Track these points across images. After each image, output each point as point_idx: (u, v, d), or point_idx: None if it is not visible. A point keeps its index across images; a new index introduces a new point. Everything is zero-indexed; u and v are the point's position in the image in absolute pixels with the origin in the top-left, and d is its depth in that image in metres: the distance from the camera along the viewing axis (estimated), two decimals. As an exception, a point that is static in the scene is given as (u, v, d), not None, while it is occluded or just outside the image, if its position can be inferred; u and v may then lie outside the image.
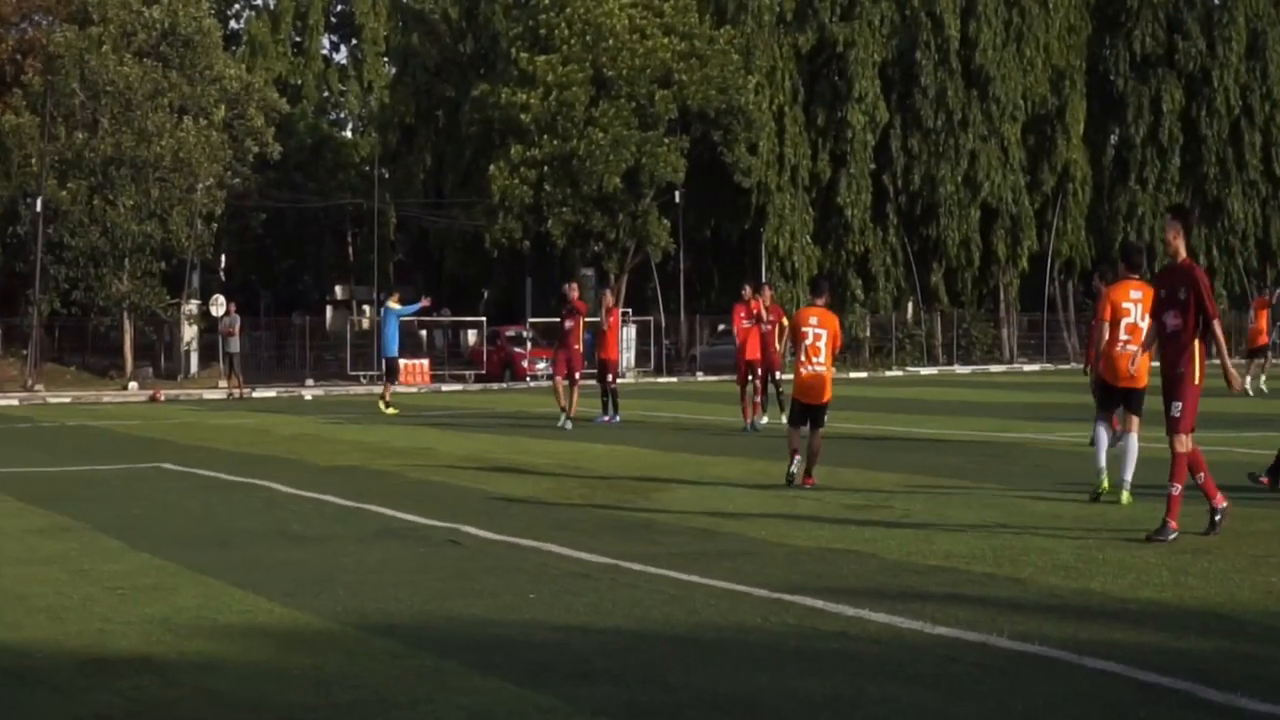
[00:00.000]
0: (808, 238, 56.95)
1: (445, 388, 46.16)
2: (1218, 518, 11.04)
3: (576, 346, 25.43)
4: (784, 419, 25.35)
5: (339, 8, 79.18)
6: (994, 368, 57.92)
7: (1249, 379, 30.04)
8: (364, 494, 14.80)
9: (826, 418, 15.62)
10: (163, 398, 40.85)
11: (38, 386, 44.09)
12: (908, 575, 9.59)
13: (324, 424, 27.49)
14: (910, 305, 62.72)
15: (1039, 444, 20.03)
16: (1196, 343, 10.99)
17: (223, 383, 44.56)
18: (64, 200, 46.71)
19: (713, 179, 54.82)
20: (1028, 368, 58.41)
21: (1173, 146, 62.58)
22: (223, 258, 65.12)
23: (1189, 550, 10.40)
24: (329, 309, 66.51)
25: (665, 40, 51.85)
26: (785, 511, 12.98)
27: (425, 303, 34.35)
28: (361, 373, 49.77)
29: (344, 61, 79.99)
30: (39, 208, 46.17)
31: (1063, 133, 60.94)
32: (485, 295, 65.37)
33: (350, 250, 70.66)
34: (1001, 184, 59.21)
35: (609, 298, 28.42)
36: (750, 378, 24.23)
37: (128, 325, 48.93)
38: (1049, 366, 58.42)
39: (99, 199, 47.22)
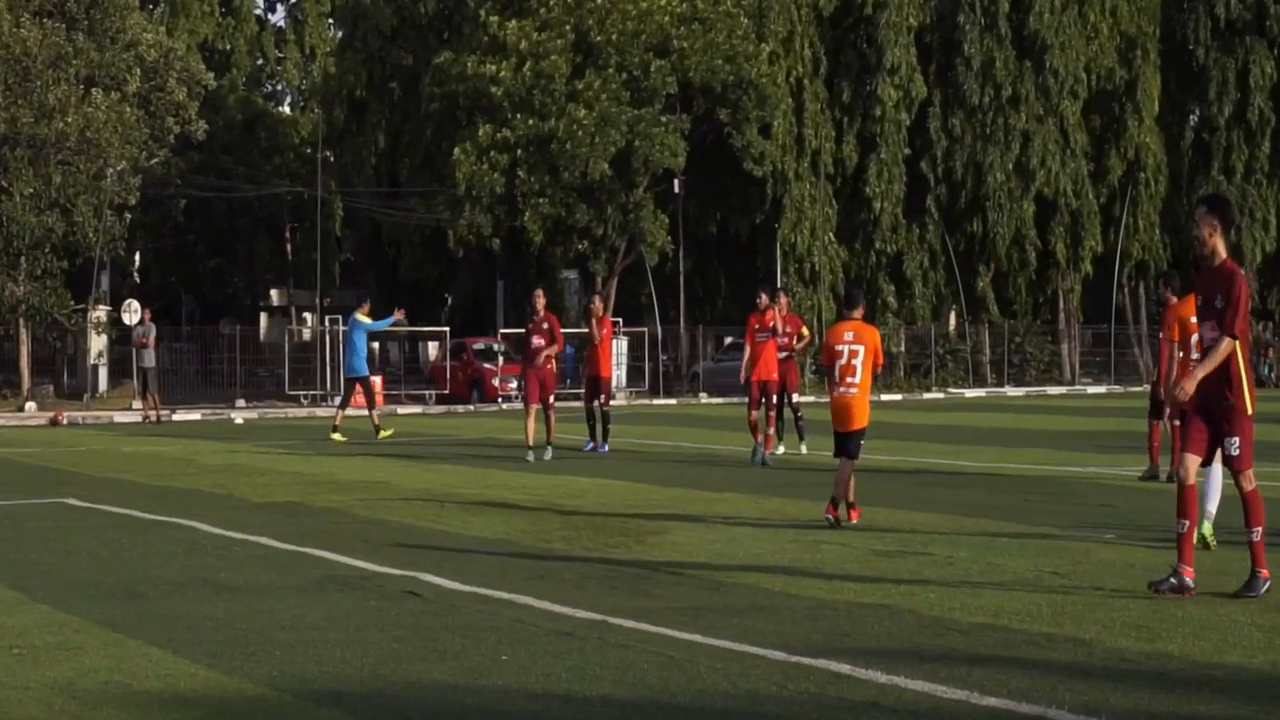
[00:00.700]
0: (830, 235, 57.08)
1: (401, 410, 46.14)
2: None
3: (549, 366, 25.47)
4: (802, 449, 25.57)
5: (277, -41, 79.46)
6: (1052, 390, 58.02)
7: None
8: (305, 536, 14.78)
9: (860, 446, 15.77)
10: (65, 420, 40.77)
11: (-83, 407, 44.05)
12: (950, 635, 9.58)
13: (258, 453, 27.43)
14: (952, 315, 62.85)
15: (1105, 480, 20.02)
16: (1243, 362, 10.96)
17: (137, 403, 44.51)
18: (-53, 187, 46.70)
19: (718, 166, 54.90)
20: (1092, 390, 58.51)
21: (1263, 128, 62.82)
22: (137, 256, 65.15)
23: (1283, 606, 10.42)
24: (263, 317, 66.62)
25: (662, 1, 51.97)
26: (804, 558, 12.97)
27: (399, 315, 34.52)
28: (302, 392, 49.74)
29: (281, 23, 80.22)
30: (-83, 196, 46.16)
31: (1133, 112, 61.15)
32: (449, 301, 65.46)
33: (289, 248, 70.77)
34: (1060, 172, 59.40)
35: (598, 305, 28.49)
36: (763, 401, 24.25)
37: (24, 335, 48.85)
38: (1116, 389, 58.56)
39: (-10, 185, 47.21)
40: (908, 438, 29.07)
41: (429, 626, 10.04)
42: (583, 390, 29.20)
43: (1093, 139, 61.04)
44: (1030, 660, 8.78)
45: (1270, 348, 63.98)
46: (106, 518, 16.83)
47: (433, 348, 58.80)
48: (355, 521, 16.23)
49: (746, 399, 24.52)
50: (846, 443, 15.64)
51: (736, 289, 58.93)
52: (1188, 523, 10.87)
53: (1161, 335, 16.34)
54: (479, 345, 53.69)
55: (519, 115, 51.21)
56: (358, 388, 31.97)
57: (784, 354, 24.73)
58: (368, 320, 31.57)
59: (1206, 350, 11.04)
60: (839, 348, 15.67)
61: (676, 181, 53.37)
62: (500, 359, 51.44)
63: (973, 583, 11.59)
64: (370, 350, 58.45)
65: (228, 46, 73.24)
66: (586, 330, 29.05)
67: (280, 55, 77.76)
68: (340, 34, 69.96)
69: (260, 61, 77.67)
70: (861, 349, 15.57)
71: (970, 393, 56.10)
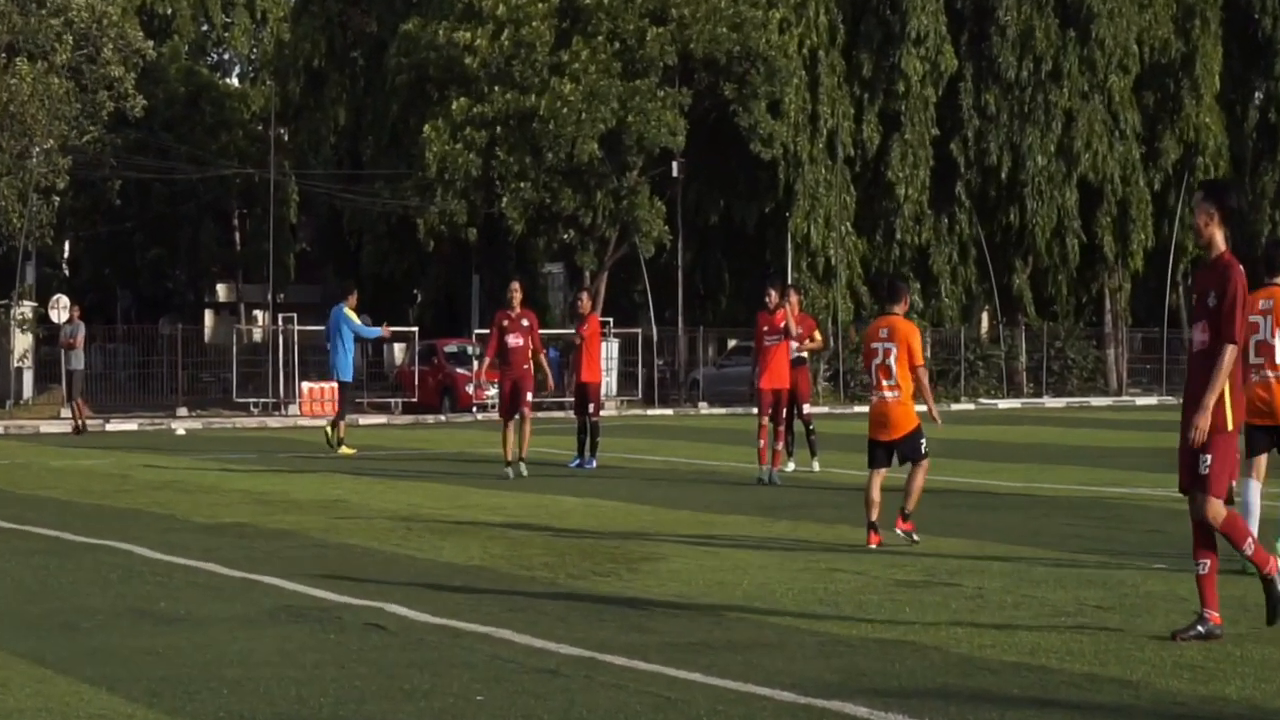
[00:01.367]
0: (848, 225, 57.12)
1: (364, 420, 46.11)
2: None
3: (526, 367, 25.34)
4: (815, 466, 25.57)
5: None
6: (1096, 400, 58.09)
7: None
8: (256, 561, 14.81)
9: (924, 446, 16.00)
10: (-15, 431, 40.79)
11: None
12: (981, 675, 9.61)
13: (202, 468, 27.44)
14: (984, 317, 62.90)
15: (1155, 502, 20.04)
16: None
17: (65, 411, 44.47)
18: None
19: (722, 147, 54.93)
20: (1141, 401, 58.58)
21: (1338, 108, 62.87)
22: (66, 245, 65.10)
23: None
24: (208, 315, 66.57)
25: (660, -40, 52.08)
26: (817, 588, 13.01)
27: (385, 332, 34.25)
28: (252, 400, 49.72)
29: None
30: None
31: (1190, 89, 61.18)
32: (418, 298, 65.43)
33: (237, 237, 70.70)
34: (1107, 156, 59.45)
35: (585, 301, 28.43)
36: (773, 411, 24.14)
37: (-62, 335, 48.85)
38: (1169, 400, 58.49)
39: (-101, 166, 47.19)
40: (933, 454, 29.01)
41: (394, 663, 10.06)
42: (573, 400, 29.16)
43: (1144, 118, 61.04)
44: (1071, 703, 8.82)
45: None
46: (33, 540, 16.85)
47: (399, 350, 58.75)
48: (312, 545, 16.25)
49: (756, 408, 24.23)
50: (898, 450, 15.89)
51: (741, 286, 58.92)
52: (1208, 563, 10.63)
53: None
54: (451, 348, 53.67)
55: (497, 89, 51.22)
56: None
57: (794, 357, 24.44)
58: (355, 317, 31.27)
59: (1199, 362, 10.75)
60: (874, 346, 15.87)
61: (675, 164, 53.38)
62: (475, 363, 51.38)
63: (1007, 616, 11.63)
64: (326, 352, 58.61)
65: (168, 11, 73.14)
66: (573, 331, 29.05)
67: (228, 20, 77.65)
68: (296, -4, 69.88)
69: (205, 28, 77.57)
70: (894, 347, 15.71)
71: (1004, 404, 56.14)
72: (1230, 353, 10.58)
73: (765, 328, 23.84)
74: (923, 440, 16.05)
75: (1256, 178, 62.90)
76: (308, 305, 61.21)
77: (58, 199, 50.22)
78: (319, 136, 64.06)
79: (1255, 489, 13.61)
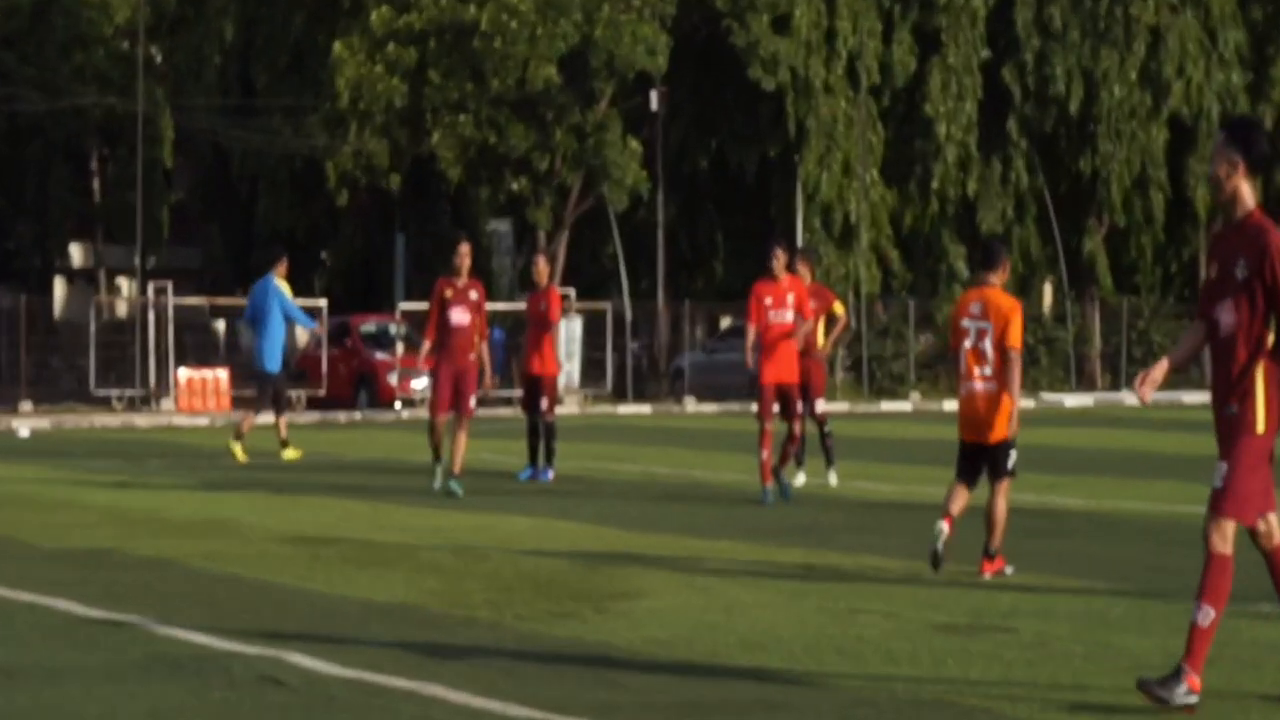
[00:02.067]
0: (874, 173, 57.22)
1: (260, 418, 46.07)
2: None
3: (472, 356, 25.14)
4: (830, 479, 25.58)
5: None
6: (1188, 396, 58.13)
7: None
8: (121, 597, 14.80)
9: (1012, 460, 15.97)
10: None
11: None
12: (1042, 744, 9.65)
13: (51, 479, 27.41)
14: (1047, 289, 63.05)
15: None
16: (1263, 358, 10.34)
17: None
18: None
19: (714, 73, 55.03)
20: (1244, 397, 58.62)
21: None
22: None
23: None
24: (59, 284, 66.45)
25: None
26: (834, 633, 13.04)
27: (319, 331, 34.22)
28: (115, 391, 49.64)
29: None
30: None
31: (1308, 1, 61.45)
32: (326, 263, 65.37)
33: (96, 185, 70.53)
34: (1204, 86, 59.60)
35: (542, 268, 28.24)
36: (777, 408, 24.10)
37: None
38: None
39: None
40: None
41: (297, 727, 10.09)
42: (521, 394, 29.19)
43: (1251, 38, 61.24)
44: (1155, 780, 8.87)
45: None
46: None
47: (300, 331, 58.71)
48: (191, 576, 16.26)
49: (756, 408, 24.13)
50: (987, 457, 15.93)
51: (738, 249, 58.94)
52: (1213, 612, 10.22)
53: None
54: (369, 326, 53.72)
55: (428, -3, 51.32)
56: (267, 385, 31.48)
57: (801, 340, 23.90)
58: (289, 291, 30.98)
59: (1226, 351, 10.39)
60: (964, 324, 15.97)
61: (654, 94, 53.42)
62: (400, 346, 51.40)
63: (1074, 672, 11.66)
64: (210, 334, 58.57)
65: (11, -105, 73.07)
66: (525, 307, 29.07)
67: (86, -92, 77.61)
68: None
69: (57, -83, 77.51)
70: (990, 327, 15.80)
71: (1072, 399, 56.25)
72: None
73: (768, 300, 22.95)
74: (1013, 452, 16.03)
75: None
76: (186, 272, 61.28)
77: None
78: (200, 57, 63.89)
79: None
